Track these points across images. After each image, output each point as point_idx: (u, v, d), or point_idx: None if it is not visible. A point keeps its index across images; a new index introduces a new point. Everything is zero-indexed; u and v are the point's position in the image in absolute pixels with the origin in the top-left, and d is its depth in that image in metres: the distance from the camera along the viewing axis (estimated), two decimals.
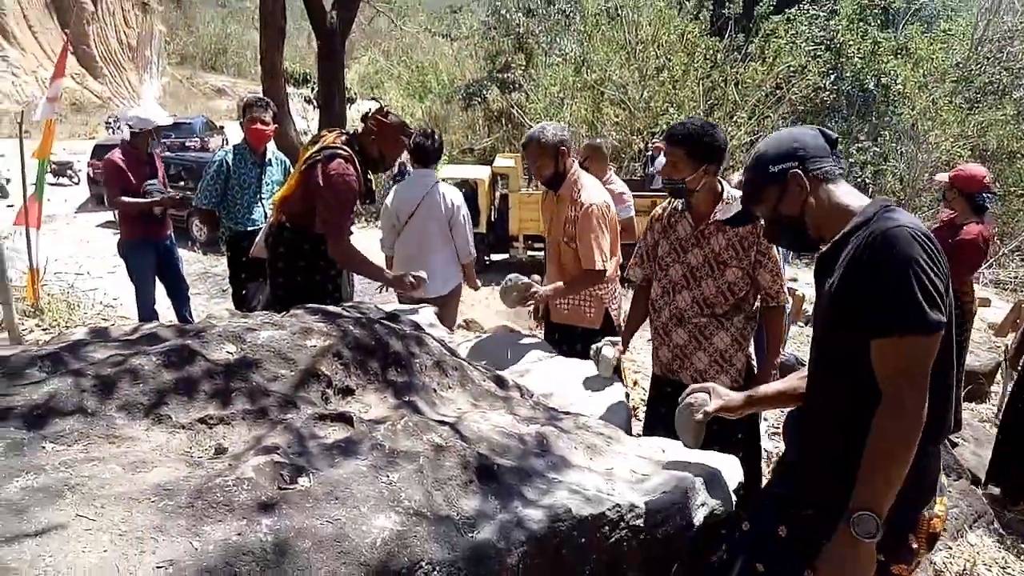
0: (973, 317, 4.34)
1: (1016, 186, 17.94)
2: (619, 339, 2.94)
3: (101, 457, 1.31)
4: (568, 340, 3.39)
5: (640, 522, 1.66)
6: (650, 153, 17.15)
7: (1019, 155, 18.03)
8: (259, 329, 1.76)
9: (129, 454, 1.34)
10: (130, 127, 4.93)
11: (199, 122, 25.78)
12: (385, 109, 3.30)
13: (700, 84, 18.49)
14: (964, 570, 3.01)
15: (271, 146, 4.74)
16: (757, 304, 2.77)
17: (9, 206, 18.03)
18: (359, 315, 2.15)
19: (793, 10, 18.57)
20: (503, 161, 16.03)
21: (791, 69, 18.14)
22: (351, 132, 3.37)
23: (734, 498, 1.96)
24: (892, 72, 18.13)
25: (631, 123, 19.49)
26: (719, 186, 2.71)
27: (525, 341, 3.25)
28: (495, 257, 13.68)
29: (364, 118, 3.33)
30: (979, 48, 20.19)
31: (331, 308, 2.13)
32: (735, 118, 18.47)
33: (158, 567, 1.08)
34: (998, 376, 5.83)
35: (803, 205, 1.61)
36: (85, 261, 11.53)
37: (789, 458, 1.78)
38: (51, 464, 1.25)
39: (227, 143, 26.78)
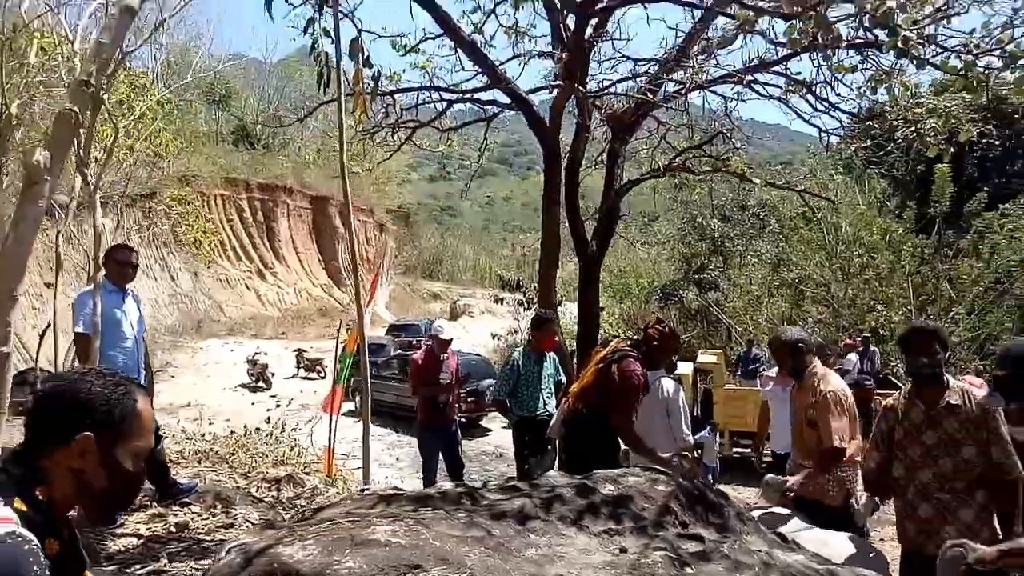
0: None
1: None
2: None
3: (561, 543, 2.13)
4: (812, 515, 3.83)
5: None
6: (843, 349, 16.97)
7: None
8: (627, 475, 2.59)
9: (575, 544, 2.16)
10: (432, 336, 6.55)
11: (425, 323, 29.19)
12: (664, 322, 4.27)
13: (909, 281, 18.24)
14: None
15: None
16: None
17: (272, 396, 21.26)
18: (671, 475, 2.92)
19: (1007, 205, 18.21)
20: (706, 357, 16.52)
21: (1011, 263, 17.44)
22: (633, 338, 4.35)
23: None
24: None
25: (836, 320, 19.39)
26: (945, 378, 3.24)
27: (782, 513, 3.76)
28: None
29: (645, 328, 4.32)
30: None
31: (659, 470, 2.93)
32: (952, 314, 17.80)
33: None
34: None
35: None
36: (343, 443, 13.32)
37: None
38: (541, 543, 2.10)
39: None
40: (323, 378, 23.44)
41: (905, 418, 3.31)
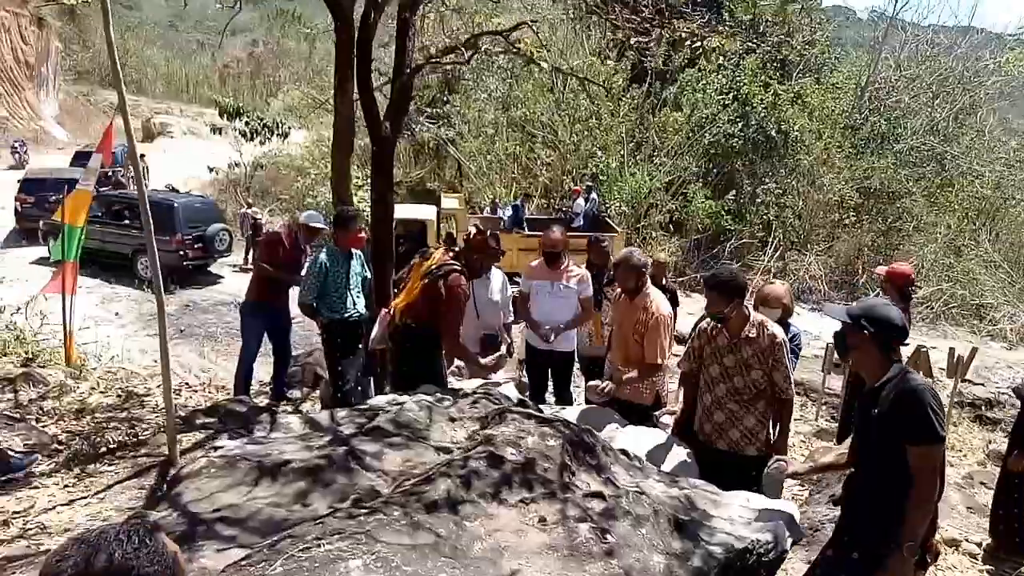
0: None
1: (896, 221, 20.40)
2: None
3: (493, 524, 2.25)
4: (627, 413, 4.41)
5: (762, 549, 2.73)
6: (571, 194, 18.82)
7: (898, 195, 20.45)
8: (527, 436, 2.73)
9: (502, 522, 2.29)
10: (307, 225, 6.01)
11: (121, 151, 25.04)
12: (485, 233, 4.30)
13: (624, 128, 20.03)
14: None
15: None
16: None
17: None
18: (539, 413, 3.14)
19: (704, 62, 20.43)
20: (449, 202, 16.90)
21: (703, 117, 19.91)
22: (457, 249, 4.33)
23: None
24: (790, 120, 20.20)
25: (562, 164, 20.88)
26: (746, 311, 3.83)
27: (602, 412, 4.28)
28: None
29: (467, 239, 4.32)
30: (862, 98, 22.70)
31: (532, 411, 3.11)
32: (655, 159, 20.11)
33: None
34: None
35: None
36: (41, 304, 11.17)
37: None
38: (481, 533, 2.19)
39: (148, 172, 26.14)
40: None
41: (713, 341, 3.87)
